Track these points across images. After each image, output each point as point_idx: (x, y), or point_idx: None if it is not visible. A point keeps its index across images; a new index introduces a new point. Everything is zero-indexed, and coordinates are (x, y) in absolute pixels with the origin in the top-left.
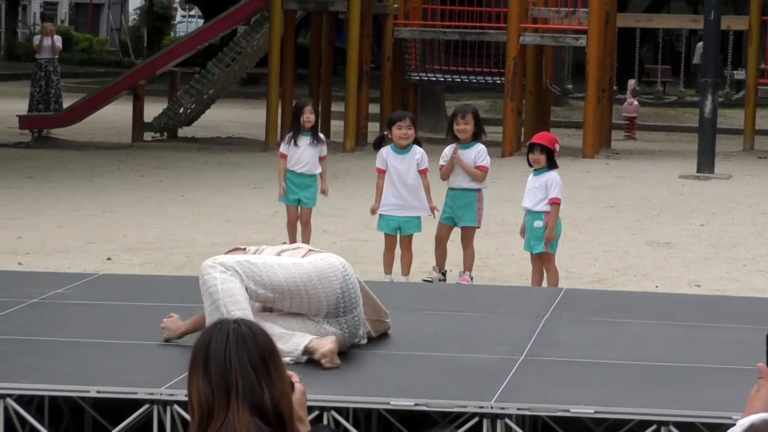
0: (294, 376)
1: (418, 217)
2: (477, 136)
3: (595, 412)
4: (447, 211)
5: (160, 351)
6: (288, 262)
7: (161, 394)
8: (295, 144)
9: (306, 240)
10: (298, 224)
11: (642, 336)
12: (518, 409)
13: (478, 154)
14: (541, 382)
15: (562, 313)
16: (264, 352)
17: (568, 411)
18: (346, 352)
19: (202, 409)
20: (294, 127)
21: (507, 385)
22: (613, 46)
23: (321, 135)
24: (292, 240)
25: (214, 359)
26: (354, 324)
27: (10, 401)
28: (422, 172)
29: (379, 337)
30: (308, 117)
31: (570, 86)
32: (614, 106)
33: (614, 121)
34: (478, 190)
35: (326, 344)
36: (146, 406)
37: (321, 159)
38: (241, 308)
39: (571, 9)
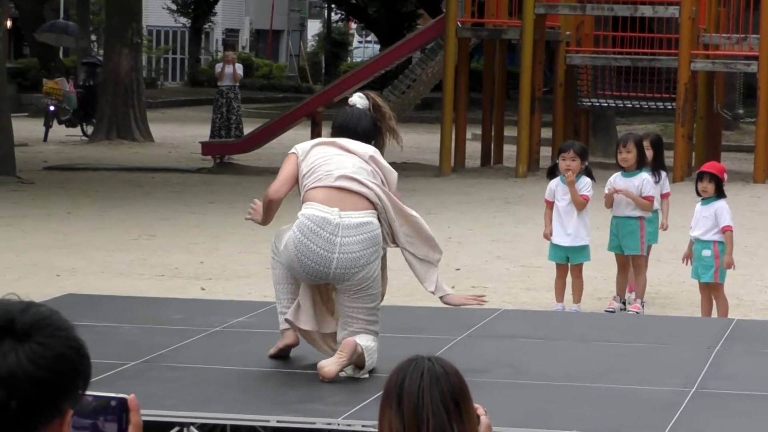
0: (479, 408)
1: (587, 246)
2: (641, 164)
3: None
4: (613, 240)
5: (338, 381)
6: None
7: (338, 424)
8: None
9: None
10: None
11: None
12: None
13: (643, 183)
14: (713, 415)
15: (733, 345)
16: (456, 392)
17: None
18: (517, 383)
19: None
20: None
21: (678, 419)
22: None
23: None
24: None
25: (407, 397)
26: (339, 275)
27: (193, 429)
28: (583, 198)
29: (551, 367)
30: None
31: (741, 111)
32: None
33: None
34: (641, 218)
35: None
36: None
37: (663, 196)
38: (279, 303)
39: (742, 35)
